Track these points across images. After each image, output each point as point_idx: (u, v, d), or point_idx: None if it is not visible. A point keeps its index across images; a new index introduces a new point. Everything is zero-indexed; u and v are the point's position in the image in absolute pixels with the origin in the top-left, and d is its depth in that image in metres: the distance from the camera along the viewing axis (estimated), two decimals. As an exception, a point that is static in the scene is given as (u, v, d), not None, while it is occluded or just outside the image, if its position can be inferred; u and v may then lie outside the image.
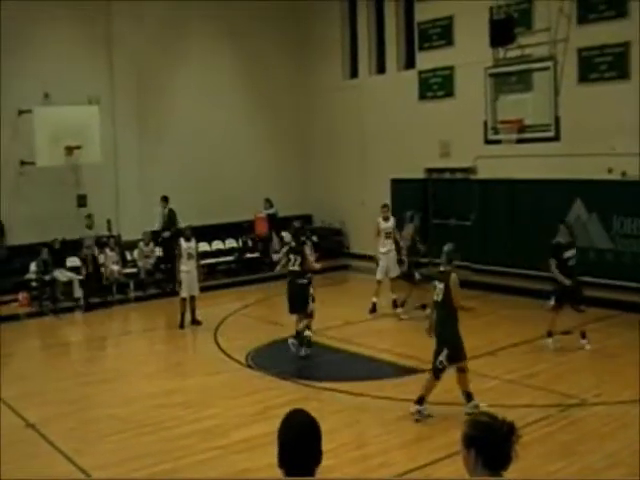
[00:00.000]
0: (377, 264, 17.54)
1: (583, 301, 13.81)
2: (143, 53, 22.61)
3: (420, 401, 10.32)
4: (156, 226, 21.12)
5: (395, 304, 17.32)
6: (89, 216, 20.41)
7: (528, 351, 13.69)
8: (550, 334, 13.74)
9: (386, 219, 17.58)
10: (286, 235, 14.86)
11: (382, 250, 17.47)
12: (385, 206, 17.90)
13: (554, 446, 9.30)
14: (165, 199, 21.13)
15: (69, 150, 19.80)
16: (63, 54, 21.08)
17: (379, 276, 17.40)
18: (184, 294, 16.89)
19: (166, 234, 20.65)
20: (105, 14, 21.97)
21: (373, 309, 17.16)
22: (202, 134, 23.60)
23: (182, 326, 16.82)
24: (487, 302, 17.14)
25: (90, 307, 19.33)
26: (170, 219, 20.95)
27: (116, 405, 11.65)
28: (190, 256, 16.95)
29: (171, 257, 19.33)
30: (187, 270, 16.83)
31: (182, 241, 17.04)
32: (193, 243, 17.17)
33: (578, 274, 14.10)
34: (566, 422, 10.17)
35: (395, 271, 17.54)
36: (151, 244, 20.72)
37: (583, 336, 13.66)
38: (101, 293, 19.82)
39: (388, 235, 17.49)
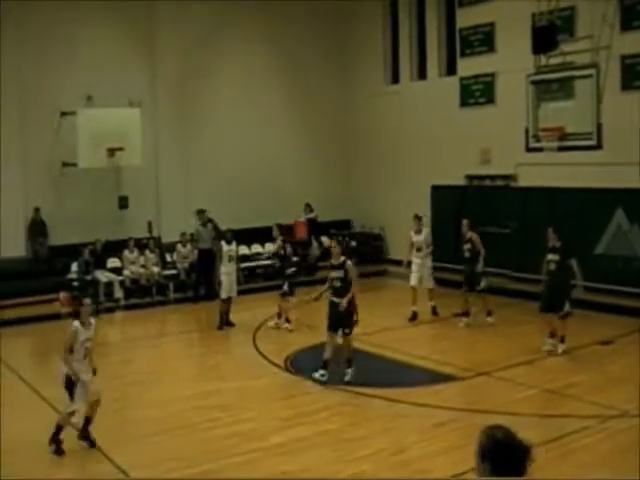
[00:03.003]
0: (410, 269, 17.25)
1: None
2: (185, 57, 22.80)
3: None
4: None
5: (434, 311, 17.24)
6: (202, 211, 20.32)
7: (567, 361, 13.54)
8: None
9: (418, 232, 17.14)
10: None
11: (415, 261, 17.21)
12: (417, 217, 17.29)
13: (593, 457, 9.19)
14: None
15: (111, 152, 20.05)
16: (106, 57, 21.34)
17: (413, 282, 17.14)
18: (224, 295, 17.01)
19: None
20: (148, 17, 22.25)
21: (413, 317, 16.95)
22: (243, 138, 23.75)
23: (221, 327, 16.95)
24: (525, 310, 16.99)
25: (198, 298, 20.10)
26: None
27: (152, 406, 11.72)
28: (231, 258, 17.11)
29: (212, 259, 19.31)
30: (228, 272, 17.01)
31: (223, 244, 17.18)
32: (234, 246, 17.31)
33: (621, 284, 14.05)
34: (605, 434, 10.03)
35: (429, 283, 17.35)
36: (189, 245, 20.81)
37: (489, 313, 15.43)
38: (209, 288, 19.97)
39: (419, 248, 17.14)
